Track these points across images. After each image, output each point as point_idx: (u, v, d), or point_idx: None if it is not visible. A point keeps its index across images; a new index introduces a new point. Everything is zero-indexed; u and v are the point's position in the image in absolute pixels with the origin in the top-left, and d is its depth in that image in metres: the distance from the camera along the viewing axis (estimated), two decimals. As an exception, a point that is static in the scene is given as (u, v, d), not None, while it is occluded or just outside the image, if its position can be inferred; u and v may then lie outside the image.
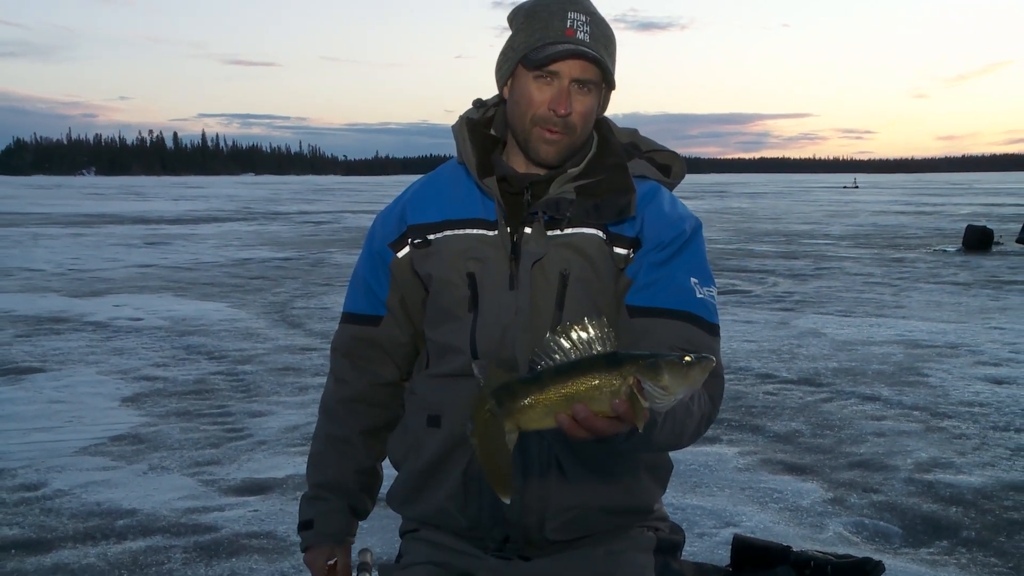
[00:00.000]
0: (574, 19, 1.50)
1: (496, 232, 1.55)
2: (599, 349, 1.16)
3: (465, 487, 1.57)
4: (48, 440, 4.95)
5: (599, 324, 1.16)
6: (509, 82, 1.56)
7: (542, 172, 1.57)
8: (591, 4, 1.56)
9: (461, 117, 1.66)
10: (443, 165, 1.71)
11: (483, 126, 1.65)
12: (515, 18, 1.57)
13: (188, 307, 9.87)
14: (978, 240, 16.39)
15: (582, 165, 1.58)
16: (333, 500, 1.73)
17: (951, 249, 16.49)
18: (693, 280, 1.53)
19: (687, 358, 1.14)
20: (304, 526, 1.74)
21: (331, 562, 1.72)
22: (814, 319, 8.97)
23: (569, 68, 1.49)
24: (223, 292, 11.18)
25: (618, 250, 1.54)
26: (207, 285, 11.86)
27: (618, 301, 1.55)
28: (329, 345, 1.82)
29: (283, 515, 3.83)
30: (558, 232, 1.54)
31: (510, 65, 1.55)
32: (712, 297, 1.55)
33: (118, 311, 9.52)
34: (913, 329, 8.34)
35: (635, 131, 1.70)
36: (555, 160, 1.54)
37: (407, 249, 1.63)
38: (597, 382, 1.13)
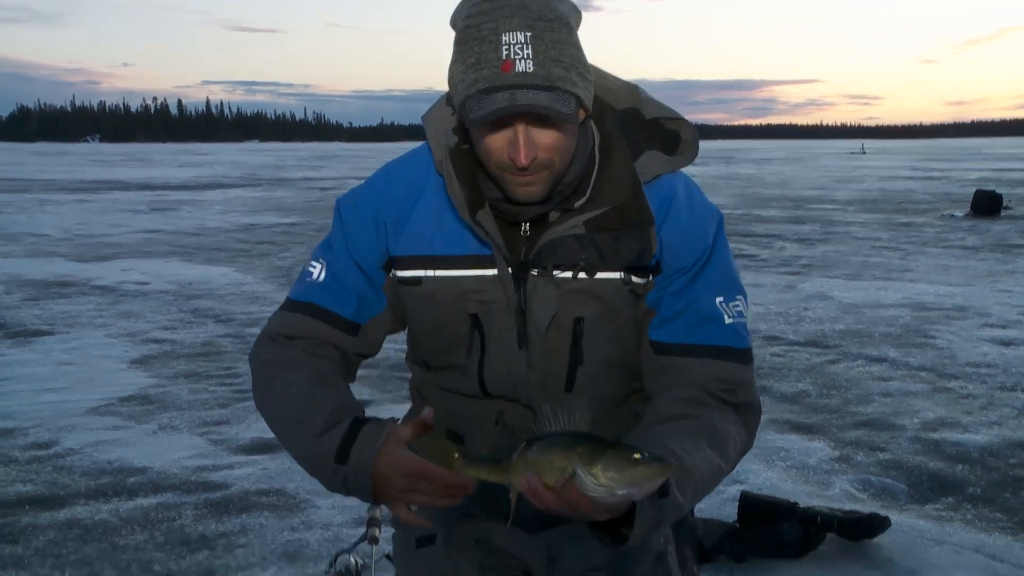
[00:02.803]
0: (510, 44, 1.18)
1: (496, 271, 1.37)
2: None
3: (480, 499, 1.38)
4: (58, 400, 4.98)
5: (581, 420, 1.15)
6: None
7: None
8: (530, 5, 1.21)
9: (435, 116, 1.41)
10: (422, 167, 1.43)
11: (463, 143, 1.37)
12: (454, 28, 1.26)
13: (195, 271, 9.89)
14: (987, 205, 16.27)
15: (588, 192, 1.34)
16: (354, 413, 1.35)
17: (959, 214, 16.40)
18: (719, 300, 1.39)
19: (636, 455, 1.05)
20: (340, 458, 1.30)
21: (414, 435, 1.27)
22: (821, 282, 8.95)
23: (516, 116, 1.22)
24: (229, 257, 11.19)
25: (636, 279, 1.37)
26: (213, 250, 11.87)
27: (638, 330, 1.40)
28: None
29: (292, 473, 3.86)
30: (569, 276, 1.34)
31: (457, 106, 1.27)
32: (740, 313, 1.41)
33: (125, 275, 9.54)
34: (921, 292, 8.32)
35: (635, 89, 1.43)
36: (540, 197, 1.30)
37: (394, 279, 1.43)
38: (550, 459, 1.12)
